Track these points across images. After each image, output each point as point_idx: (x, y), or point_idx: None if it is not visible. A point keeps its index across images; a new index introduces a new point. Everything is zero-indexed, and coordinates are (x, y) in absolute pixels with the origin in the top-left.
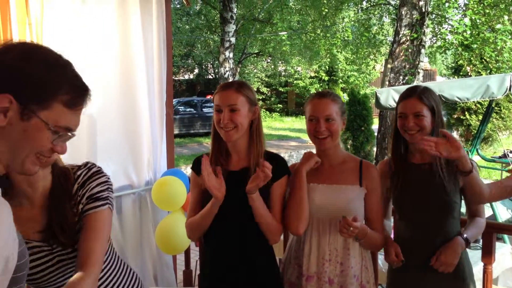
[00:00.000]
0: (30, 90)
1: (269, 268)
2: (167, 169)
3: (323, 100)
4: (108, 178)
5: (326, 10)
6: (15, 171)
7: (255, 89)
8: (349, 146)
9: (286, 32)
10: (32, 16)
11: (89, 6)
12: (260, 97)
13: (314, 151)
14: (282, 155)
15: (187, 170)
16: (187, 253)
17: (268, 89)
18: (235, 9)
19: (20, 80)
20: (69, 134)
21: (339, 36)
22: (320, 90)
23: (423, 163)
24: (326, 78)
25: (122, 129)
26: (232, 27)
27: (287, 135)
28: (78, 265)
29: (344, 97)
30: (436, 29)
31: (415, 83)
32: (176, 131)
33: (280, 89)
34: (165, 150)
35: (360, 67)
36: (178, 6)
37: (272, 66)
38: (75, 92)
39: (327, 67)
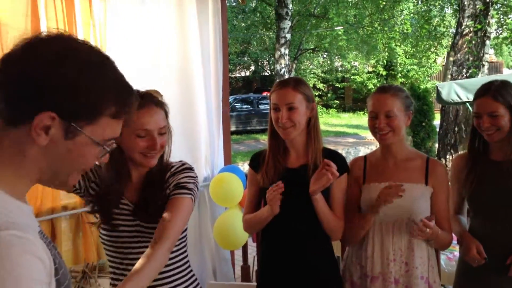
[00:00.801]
0: (76, 105)
1: (330, 267)
2: (224, 165)
3: (383, 96)
4: (196, 176)
5: (384, 3)
6: (54, 187)
7: (311, 86)
8: (409, 143)
9: (342, 27)
10: (95, 19)
11: (148, 7)
12: (317, 93)
13: (373, 147)
14: (340, 151)
15: (244, 167)
16: (244, 248)
17: (324, 85)
18: (291, 5)
19: (65, 94)
20: (113, 144)
21: (397, 30)
22: (378, 85)
23: (504, 161)
24: (384, 73)
25: (180, 127)
26: (287, 23)
27: (345, 131)
28: (153, 239)
29: None
30: (502, 19)
31: (479, 76)
32: (233, 128)
33: (337, 84)
34: (222, 147)
35: (420, 61)
36: (234, 4)
37: (329, 62)
38: (124, 102)
39: (385, 61)
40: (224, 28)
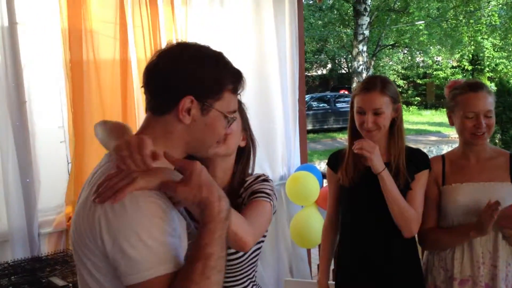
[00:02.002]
0: (206, 88)
1: (412, 270)
2: (300, 164)
3: (480, 94)
4: (273, 187)
5: None
6: (203, 157)
7: None
8: (497, 141)
9: (423, 21)
10: (177, 24)
11: (227, 10)
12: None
13: (456, 145)
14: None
15: (321, 166)
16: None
17: (404, 81)
18: (369, 1)
19: (197, 81)
20: (234, 116)
21: (484, 22)
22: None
23: None
24: (470, 68)
25: (257, 126)
26: (365, 20)
27: (426, 129)
28: None
29: (492, 87)
30: None
31: None
32: (309, 127)
33: (418, 81)
34: (299, 146)
35: (510, 54)
36: (311, 2)
37: (409, 58)
38: (237, 78)
39: (470, 55)
40: (300, 27)
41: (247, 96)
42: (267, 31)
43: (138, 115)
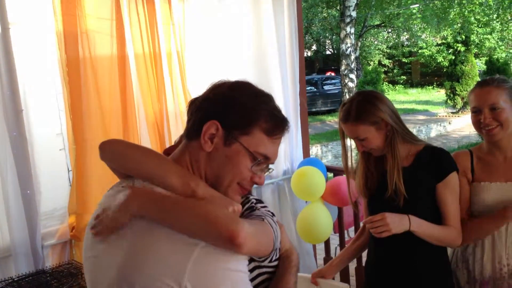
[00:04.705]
0: (235, 116)
1: (438, 273)
2: (303, 158)
3: (485, 89)
4: (263, 210)
5: None
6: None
7: (376, 62)
8: None
9: (417, 5)
10: (175, 19)
11: (224, 3)
12: (382, 70)
13: (445, 124)
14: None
15: (312, 150)
16: (326, 239)
17: (390, 61)
18: None
19: (228, 107)
20: (268, 164)
21: (476, 2)
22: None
23: None
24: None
25: None
26: (352, 1)
27: (414, 108)
28: None
29: (478, 64)
30: None
31: None
32: None
33: (403, 60)
34: (301, 140)
35: (493, 29)
36: None
37: (394, 37)
38: (275, 121)
39: (463, 36)
40: (299, 17)
41: None
42: (265, 23)
43: (138, 116)
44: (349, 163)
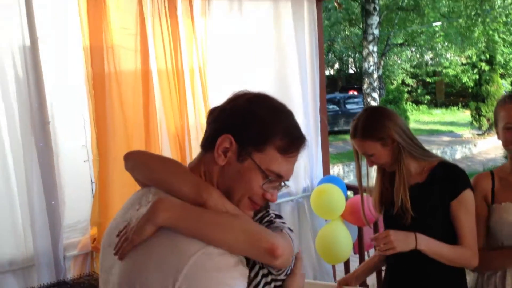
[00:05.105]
0: (250, 132)
1: None
2: (323, 175)
3: None
4: (281, 224)
5: None
6: None
7: (400, 81)
8: None
9: (439, 23)
10: (197, 34)
11: (246, 18)
12: (406, 89)
13: (471, 146)
14: (434, 151)
15: (333, 170)
16: (346, 260)
17: (413, 80)
18: (377, 0)
19: (243, 122)
20: (280, 182)
21: (501, 20)
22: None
23: None
24: (481, 65)
25: None
26: (375, 19)
27: (438, 129)
28: None
29: (504, 85)
30: None
31: None
32: None
33: (427, 79)
34: (321, 157)
35: None
36: (329, 6)
37: (418, 56)
38: (290, 139)
39: (487, 55)
40: (320, 34)
41: None
42: (286, 38)
43: (160, 130)
44: (364, 180)
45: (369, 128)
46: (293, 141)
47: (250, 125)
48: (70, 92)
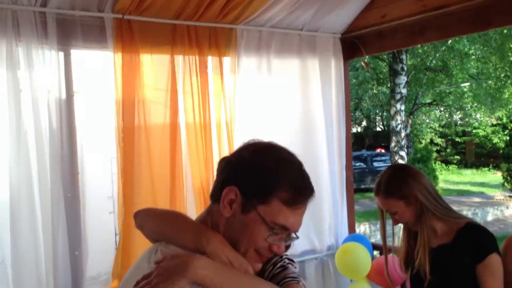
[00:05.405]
0: (253, 184)
1: None
2: (348, 233)
3: None
4: (293, 269)
5: None
6: None
7: (428, 141)
8: None
9: (468, 83)
10: (226, 90)
11: (274, 77)
12: (435, 149)
13: (503, 208)
14: (464, 213)
15: (360, 228)
16: None
17: (442, 139)
18: (405, 60)
19: (246, 174)
20: (287, 234)
21: None
22: (504, 139)
23: None
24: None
25: None
26: (403, 79)
27: (468, 189)
28: None
29: None
30: None
31: None
32: None
33: (457, 139)
34: (346, 215)
35: None
36: (357, 65)
37: (447, 115)
38: (296, 190)
39: None
40: (347, 92)
41: None
42: (313, 97)
43: (185, 183)
44: (391, 239)
45: (392, 186)
46: (299, 192)
47: (254, 177)
48: (100, 143)
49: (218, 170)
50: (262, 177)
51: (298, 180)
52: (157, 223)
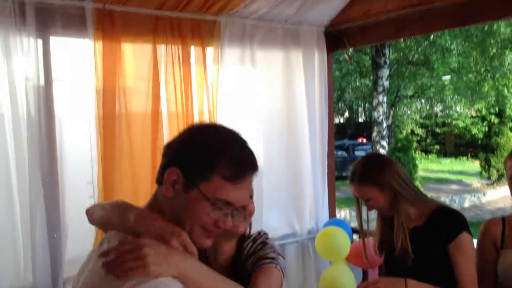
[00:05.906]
0: (193, 163)
1: None
2: (328, 218)
3: None
4: (275, 248)
5: (494, 51)
6: None
7: (409, 131)
8: None
9: (449, 76)
10: (209, 80)
11: (258, 69)
12: (415, 139)
13: (480, 195)
14: (442, 199)
15: (340, 214)
16: None
17: (423, 130)
18: (388, 54)
19: (186, 153)
20: (233, 209)
21: (510, 76)
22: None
23: None
24: (490, 118)
25: (286, 180)
26: (385, 72)
27: (447, 177)
28: None
29: None
30: None
31: None
32: None
33: (437, 130)
34: (327, 200)
35: None
36: (341, 58)
37: (428, 107)
38: (237, 166)
39: (497, 109)
40: (330, 82)
41: (277, 150)
42: (297, 88)
43: None
44: (364, 223)
45: (367, 173)
46: (240, 168)
47: (194, 155)
48: (80, 129)
49: (162, 155)
50: (202, 154)
51: (238, 156)
52: (104, 212)
